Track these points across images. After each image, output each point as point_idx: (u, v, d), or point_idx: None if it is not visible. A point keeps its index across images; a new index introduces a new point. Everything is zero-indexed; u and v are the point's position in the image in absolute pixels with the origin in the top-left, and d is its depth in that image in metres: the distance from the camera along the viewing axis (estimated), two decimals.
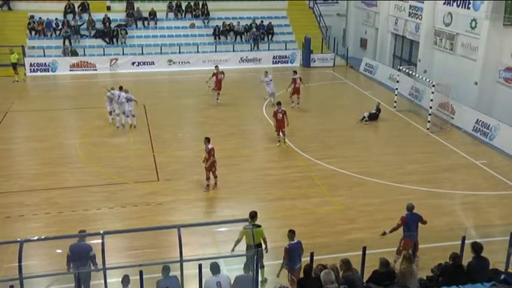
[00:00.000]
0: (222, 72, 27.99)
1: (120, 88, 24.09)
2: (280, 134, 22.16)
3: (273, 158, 21.23)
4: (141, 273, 10.34)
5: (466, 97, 25.54)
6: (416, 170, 20.09)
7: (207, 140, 18.00)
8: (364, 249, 11.32)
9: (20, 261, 10.05)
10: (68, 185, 18.62)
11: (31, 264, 11.77)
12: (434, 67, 29.90)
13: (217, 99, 27.92)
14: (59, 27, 35.77)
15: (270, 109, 26.11)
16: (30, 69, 33.90)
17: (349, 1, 40.56)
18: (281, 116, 21.88)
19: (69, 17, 36.68)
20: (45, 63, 34.13)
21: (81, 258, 11.47)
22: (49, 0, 37.25)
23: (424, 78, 26.47)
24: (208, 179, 18.15)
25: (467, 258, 10.97)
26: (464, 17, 27.22)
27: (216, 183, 18.40)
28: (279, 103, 22.46)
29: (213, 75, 27.95)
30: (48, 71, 34.17)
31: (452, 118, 25.06)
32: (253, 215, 12.92)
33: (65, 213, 16.62)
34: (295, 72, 28.07)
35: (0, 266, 12.89)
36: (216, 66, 28.58)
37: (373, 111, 25.53)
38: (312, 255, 11.19)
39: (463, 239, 11.47)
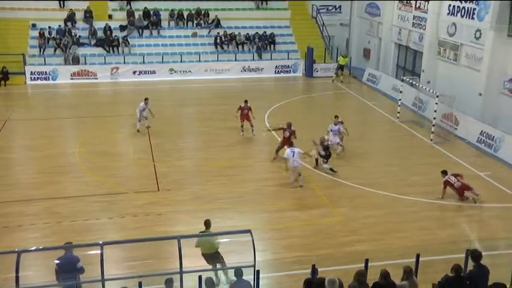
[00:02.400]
0: (250, 108, 24.33)
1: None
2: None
3: (275, 169, 20.98)
4: (140, 284, 10.24)
5: (470, 108, 25.33)
6: (419, 181, 19.87)
7: None
8: (367, 261, 11.16)
9: (17, 271, 9.95)
10: (68, 194, 18.43)
11: (28, 275, 11.61)
12: (438, 77, 29.71)
13: (252, 130, 24.51)
14: (60, 36, 35.61)
15: (272, 119, 26.08)
16: (31, 77, 33.75)
17: (353, 11, 40.50)
18: (288, 134, 21.11)
19: (70, 25, 36.57)
20: (45, 72, 33.98)
21: (68, 271, 11.17)
22: (51, 9, 37.21)
23: (427, 89, 26.30)
24: None
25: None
26: (468, 28, 27.06)
27: None
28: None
29: (239, 109, 24.46)
30: (49, 80, 34.01)
31: (456, 129, 24.88)
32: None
33: (64, 223, 16.41)
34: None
35: None
36: (245, 101, 24.40)
37: (323, 152, 20.52)
38: (313, 267, 10.98)
39: (467, 251, 11.26)
